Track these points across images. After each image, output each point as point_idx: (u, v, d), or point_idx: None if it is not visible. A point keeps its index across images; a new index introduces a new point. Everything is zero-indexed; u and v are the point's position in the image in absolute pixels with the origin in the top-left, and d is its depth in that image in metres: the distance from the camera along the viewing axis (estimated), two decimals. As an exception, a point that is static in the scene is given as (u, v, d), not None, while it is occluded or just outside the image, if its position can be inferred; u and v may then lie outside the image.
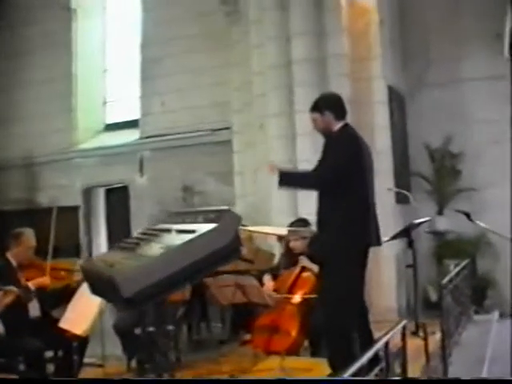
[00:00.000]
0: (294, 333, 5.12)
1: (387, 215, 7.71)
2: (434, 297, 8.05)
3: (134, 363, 5.83)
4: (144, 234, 2.95)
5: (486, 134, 8.91)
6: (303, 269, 5.48)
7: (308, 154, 7.11)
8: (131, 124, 12.30)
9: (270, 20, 8.05)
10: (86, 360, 5.38)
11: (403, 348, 3.30)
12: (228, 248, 2.50)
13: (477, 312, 7.83)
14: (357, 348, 4.09)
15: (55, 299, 5.25)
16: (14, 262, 5.16)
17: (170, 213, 3.17)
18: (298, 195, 7.59)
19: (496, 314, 8.02)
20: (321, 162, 4.28)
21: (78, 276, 5.18)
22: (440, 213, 8.82)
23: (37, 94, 12.75)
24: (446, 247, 8.60)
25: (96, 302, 4.44)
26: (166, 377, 4.82)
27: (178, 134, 11.10)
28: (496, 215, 7.78)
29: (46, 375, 4.88)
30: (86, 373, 5.40)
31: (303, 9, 7.87)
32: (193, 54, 11.01)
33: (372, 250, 4.34)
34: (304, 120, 6.66)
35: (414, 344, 4.90)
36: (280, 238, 5.68)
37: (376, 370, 2.74)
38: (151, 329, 5.21)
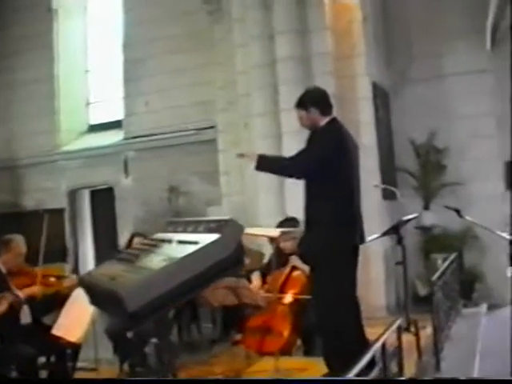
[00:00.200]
0: (286, 333, 5.12)
1: (374, 211, 7.76)
2: (422, 291, 8.11)
3: (126, 366, 5.81)
4: (143, 244, 2.91)
5: (470, 129, 8.98)
6: (293, 268, 5.49)
7: (293, 153, 7.10)
8: (115, 125, 12.24)
9: (253, 19, 8.03)
10: (78, 364, 5.35)
11: (399, 348, 3.32)
12: (231, 259, 2.48)
13: (465, 305, 7.89)
14: (353, 346, 4.10)
15: (46, 306, 5.20)
16: (3, 269, 5.11)
17: (169, 221, 3.11)
18: (285, 194, 7.60)
19: (484, 307, 8.10)
20: (301, 151, 4.22)
21: (68, 282, 5.16)
22: (426, 208, 8.88)
23: (19, 95, 12.66)
24: (433, 242, 8.66)
25: (89, 308, 4.41)
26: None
27: (163, 134, 11.07)
28: (481, 208, 7.86)
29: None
30: (79, 376, 5.37)
31: (286, 7, 7.86)
32: (176, 54, 10.97)
33: (360, 248, 4.33)
34: (289, 119, 6.68)
35: (405, 340, 4.92)
36: (271, 239, 5.66)
37: (374, 372, 2.75)
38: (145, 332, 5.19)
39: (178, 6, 10.90)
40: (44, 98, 12.43)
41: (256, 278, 5.55)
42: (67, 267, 11.03)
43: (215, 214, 9.73)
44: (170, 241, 2.72)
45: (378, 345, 2.89)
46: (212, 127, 10.01)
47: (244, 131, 8.34)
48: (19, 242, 5.23)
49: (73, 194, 12.40)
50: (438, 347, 5.26)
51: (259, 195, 7.75)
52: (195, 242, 2.51)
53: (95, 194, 12.59)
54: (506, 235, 5.37)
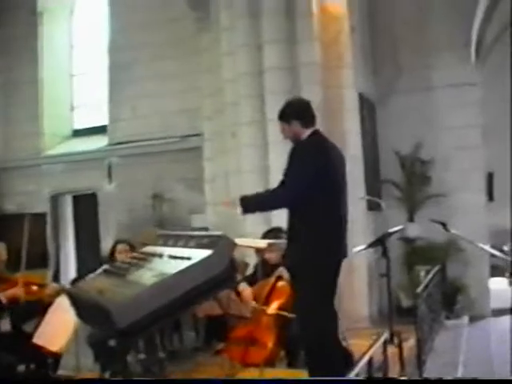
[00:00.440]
0: (270, 344, 5.08)
1: (359, 223, 7.78)
2: (405, 303, 8.11)
3: (107, 375, 5.74)
4: (133, 257, 2.85)
5: (455, 140, 9.04)
6: (278, 279, 5.46)
7: (280, 163, 7.08)
8: (100, 130, 12.17)
9: (242, 27, 8.00)
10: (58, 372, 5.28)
11: (385, 362, 3.31)
12: (223, 275, 2.42)
13: (447, 317, 7.92)
14: (333, 353, 4.08)
15: (26, 313, 5.13)
16: (-17, 276, 5.04)
17: (159, 234, 3.05)
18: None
19: (466, 319, 8.15)
20: (285, 175, 4.12)
21: (50, 290, 5.10)
22: (411, 220, 8.91)
23: (2, 98, 12.54)
24: (417, 254, 8.68)
25: (72, 317, 4.34)
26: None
27: (148, 140, 11.03)
28: (464, 220, 7.91)
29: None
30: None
31: (274, 17, 7.84)
32: (162, 60, 10.94)
33: (344, 259, 4.28)
34: (276, 128, 6.62)
35: (388, 352, 4.93)
36: (257, 249, 5.63)
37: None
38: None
39: (165, 11, 10.87)
40: (27, 102, 12.35)
41: (245, 288, 5.48)
42: (49, 273, 10.91)
43: (199, 222, 9.71)
44: (160, 255, 2.67)
45: (365, 359, 2.87)
46: (198, 135, 9.97)
47: (230, 140, 8.32)
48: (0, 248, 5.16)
49: (55, 199, 12.30)
50: (422, 359, 5.27)
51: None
52: (187, 258, 2.46)
53: (78, 200, 12.49)
54: (487, 247, 5.40)
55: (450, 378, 5.02)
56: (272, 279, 5.46)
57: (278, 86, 7.68)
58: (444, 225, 4.40)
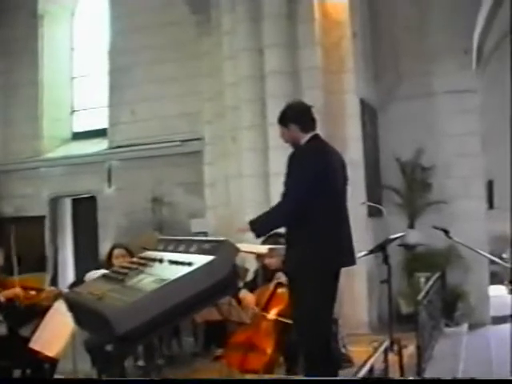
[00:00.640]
0: (269, 351, 5.04)
1: (360, 229, 7.72)
2: (405, 310, 8.07)
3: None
4: (133, 262, 2.80)
5: (455, 147, 9.02)
6: (278, 285, 5.42)
7: (281, 167, 7.05)
8: (99, 133, 12.14)
9: (243, 31, 7.99)
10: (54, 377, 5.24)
11: (385, 370, 3.28)
12: (225, 282, 2.38)
13: (447, 325, 7.88)
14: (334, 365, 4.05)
15: (23, 318, 5.09)
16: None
17: (160, 239, 2.99)
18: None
19: (465, 326, 8.10)
20: (285, 184, 4.04)
21: (47, 294, 5.05)
22: (411, 226, 8.87)
23: (2, 100, 12.52)
24: (417, 260, 8.64)
25: (69, 322, 4.30)
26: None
27: (148, 144, 10.99)
28: (464, 227, 7.88)
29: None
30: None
31: (276, 21, 7.84)
32: (163, 64, 10.91)
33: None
34: (277, 133, 6.62)
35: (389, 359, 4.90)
36: (258, 255, 5.59)
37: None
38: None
39: (166, 15, 10.85)
40: (27, 104, 12.33)
41: (247, 295, 5.43)
42: (47, 277, 10.86)
43: (199, 227, 9.66)
44: (161, 260, 2.61)
45: (366, 368, 2.84)
46: (198, 139, 9.94)
47: (231, 144, 8.29)
48: None
49: (54, 202, 12.26)
50: (421, 367, 5.24)
51: (244, 209, 7.68)
52: (188, 263, 2.41)
53: (77, 203, 12.46)
54: (487, 254, 5.37)
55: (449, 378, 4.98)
56: (272, 285, 5.42)
57: (279, 90, 7.66)
58: (446, 232, 4.37)
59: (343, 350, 5.59)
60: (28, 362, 4.92)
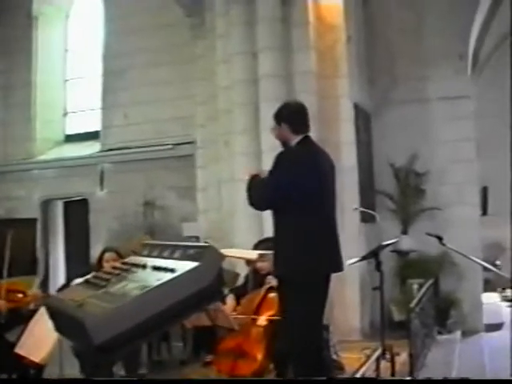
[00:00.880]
0: (259, 356, 4.98)
1: (353, 234, 7.70)
2: (397, 317, 8.01)
3: None
4: (115, 268, 2.71)
5: (450, 153, 8.97)
6: (269, 289, 5.35)
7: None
8: (92, 136, 12.08)
9: (237, 35, 7.95)
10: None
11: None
12: (210, 289, 2.28)
13: (440, 332, 7.82)
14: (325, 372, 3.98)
15: (9, 322, 5.00)
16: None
17: (145, 244, 2.90)
18: (262, 212, 7.47)
19: (458, 334, 8.05)
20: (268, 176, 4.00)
21: (33, 297, 4.98)
22: (404, 232, 8.81)
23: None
24: (410, 267, 8.58)
25: (55, 327, 4.23)
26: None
27: (140, 147, 10.94)
28: (458, 233, 7.81)
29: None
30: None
31: (270, 25, 7.79)
32: (157, 67, 10.87)
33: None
34: (270, 137, 6.57)
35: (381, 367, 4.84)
36: (248, 260, 5.52)
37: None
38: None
39: (161, 18, 10.81)
40: (20, 105, 12.26)
41: (229, 300, 5.38)
42: (36, 280, 10.78)
43: (191, 231, 9.61)
44: (144, 266, 2.53)
45: (358, 376, 2.77)
46: (191, 142, 9.89)
47: (223, 148, 8.24)
48: None
49: (46, 205, 12.18)
50: (414, 375, 5.17)
51: (236, 213, 7.62)
52: (171, 270, 2.32)
53: (69, 206, 12.38)
54: (481, 261, 5.31)
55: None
56: (263, 290, 5.35)
57: (272, 94, 7.61)
58: (440, 238, 4.30)
59: (335, 357, 5.53)
60: (13, 367, 4.82)
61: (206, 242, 7.58)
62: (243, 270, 6.35)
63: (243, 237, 7.37)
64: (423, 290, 6.62)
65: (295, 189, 3.87)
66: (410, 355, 5.06)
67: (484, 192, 11.39)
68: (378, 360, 3.27)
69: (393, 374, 4.91)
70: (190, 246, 2.49)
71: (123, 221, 11.00)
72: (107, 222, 11.24)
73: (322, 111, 7.79)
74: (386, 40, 9.09)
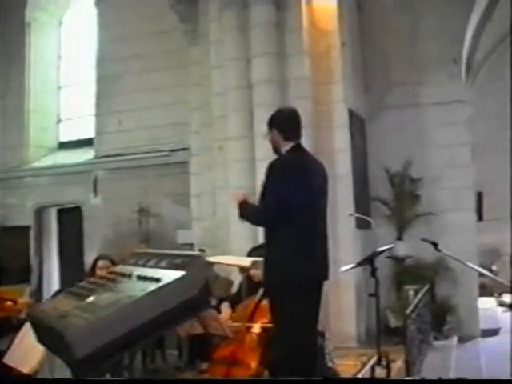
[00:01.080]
0: (254, 364, 4.92)
1: (348, 240, 7.67)
2: (393, 323, 7.96)
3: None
4: (101, 277, 2.64)
5: (445, 158, 8.94)
6: (263, 297, 5.29)
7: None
8: (86, 143, 12.03)
9: (231, 40, 7.93)
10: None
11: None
12: (196, 299, 2.20)
13: (436, 338, 7.78)
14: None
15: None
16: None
17: (134, 253, 2.83)
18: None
19: (455, 340, 8.00)
20: (263, 193, 4.00)
21: (22, 306, 4.91)
22: (399, 238, 8.77)
23: (-13, 108, 12.39)
24: (406, 273, 8.53)
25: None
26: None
27: (134, 154, 10.88)
28: (454, 239, 7.79)
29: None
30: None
31: (264, 30, 7.77)
32: (150, 73, 10.83)
33: (332, 278, 4.17)
34: (264, 143, 6.54)
35: (376, 373, 4.80)
36: (241, 268, 5.47)
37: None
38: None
39: (154, 24, 10.76)
40: (13, 112, 12.20)
41: (225, 309, 5.33)
42: (27, 289, 10.71)
43: (185, 238, 9.55)
44: (130, 275, 2.46)
45: None
46: (185, 149, 9.84)
47: (218, 154, 8.19)
48: None
49: (39, 212, 12.11)
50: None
51: (230, 220, 7.57)
52: (157, 279, 2.25)
53: (63, 213, 12.30)
54: (477, 267, 5.28)
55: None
56: (257, 298, 5.30)
57: (266, 99, 7.58)
58: (435, 244, 4.25)
59: (330, 364, 5.47)
60: (2, 378, 4.75)
61: (200, 250, 7.57)
62: (238, 278, 6.30)
63: (238, 244, 7.32)
64: (419, 295, 6.58)
65: (288, 200, 3.85)
66: (406, 361, 5.02)
67: (479, 197, 11.36)
68: (373, 368, 3.21)
69: (389, 381, 4.87)
70: (176, 255, 2.42)
71: (117, 228, 10.94)
72: (101, 229, 11.17)
73: (316, 117, 7.78)
74: (381, 45, 9.07)
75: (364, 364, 3.04)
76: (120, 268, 2.64)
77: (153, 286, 2.21)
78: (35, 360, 4.45)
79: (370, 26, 9.10)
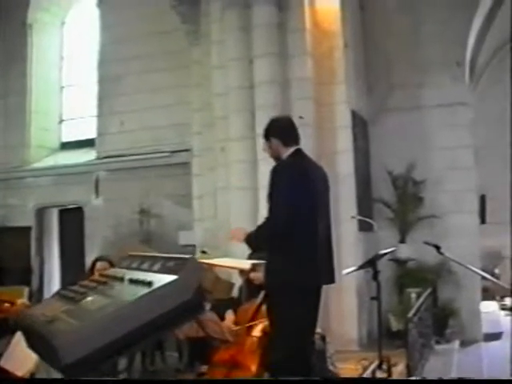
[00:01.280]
0: (254, 367, 4.87)
1: (350, 243, 7.62)
2: (395, 326, 7.91)
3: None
4: (92, 280, 2.59)
5: (448, 161, 8.89)
6: (264, 300, 5.25)
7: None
8: (88, 143, 12.01)
9: (233, 41, 7.88)
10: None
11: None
12: (189, 304, 2.14)
13: (438, 342, 7.72)
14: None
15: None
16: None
17: (127, 255, 2.78)
18: (258, 222, 7.37)
19: (457, 343, 7.95)
20: (268, 201, 3.98)
21: (19, 308, 4.87)
22: (402, 241, 8.71)
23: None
24: (408, 275, 8.48)
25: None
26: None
27: (136, 154, 10.86)
28: (456, 242, 7.75)
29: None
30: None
31: (266, 31, 7.73)
32: (152, 74, 10.81)
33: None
34: (266, 144, 6.50)
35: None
36: (241, 270, 5.43)
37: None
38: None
39: (156, 24, 10.75)
40: (15, 112, 12.19)
41: (229, 315, 5.29)
42: (25, 290, 10.70)
43: (186, 239, 9.51)
44: (122, 279, 2.40)
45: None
46: (187, 150, 9.80)
47: (219, 155, 8.15)
48: None
49: (41, 213, 12.09)
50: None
51: (232, 221, 7.53)
52: (148, 283, 2.19)
53: (64, 214, 12.28)
54: (480, 271, 5.23)
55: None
56: (257, 301, 5.25)
57: (268, 100, 7.55)
58: (438, 247, 4.21)
59: (331, 368, 5.43)
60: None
61: (202, 251, 7.52)
62: (238, 281, 6.26)
63: (239, 245, 7.26)
64: (421, 299, 6.53)
65: (295, 203, 3.85)
66: (407, 365, 4.97)
67: (482, 200, 11.31)
68: (373, 372, 3.17)
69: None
70: (169, 258, 2.36)
71: (119, 229, 10.91)
72: (103, 230, 11.15)
73: (318, 118, 7.74)
74: (383, 47, 9.03)
75: (365, 368, 2.99)
76: (113, 271, 2.59)
77: (144, 291, 2.16)
78: (31, 363, 4.40)
79: (372, 28, 9.07)
